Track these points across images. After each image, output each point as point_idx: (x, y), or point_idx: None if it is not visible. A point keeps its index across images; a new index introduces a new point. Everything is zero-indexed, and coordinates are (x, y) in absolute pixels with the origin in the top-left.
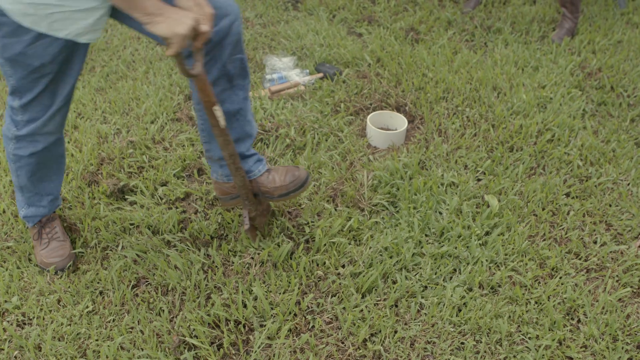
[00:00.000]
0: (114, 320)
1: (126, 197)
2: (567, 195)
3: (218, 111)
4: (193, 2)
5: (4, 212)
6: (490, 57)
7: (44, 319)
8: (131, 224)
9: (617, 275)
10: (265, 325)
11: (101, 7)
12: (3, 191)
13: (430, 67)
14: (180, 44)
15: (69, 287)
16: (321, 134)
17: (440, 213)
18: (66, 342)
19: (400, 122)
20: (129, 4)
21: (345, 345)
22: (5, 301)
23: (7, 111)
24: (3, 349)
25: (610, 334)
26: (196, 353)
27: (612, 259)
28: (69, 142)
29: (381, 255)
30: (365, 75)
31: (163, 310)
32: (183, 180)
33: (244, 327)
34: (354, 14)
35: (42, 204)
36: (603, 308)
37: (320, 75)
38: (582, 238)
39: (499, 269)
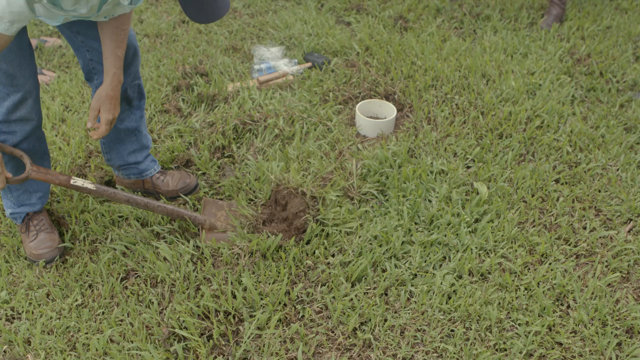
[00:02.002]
0: (103, 313)
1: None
2: (557, 181)
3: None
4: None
5: None
6: (479, 44)
7: (33, 313)
8: (120, 216)
9: (606, 261)
10: (254, 316)
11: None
12: None
13: (419, 55)
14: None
15: (58, 280)
16: (310, 123)
17: (430, 201)
18: (56, 336)
19: (389, 111)
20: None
21: (335, 335)
22: None
23: None
24: None
25: (599, 319)
26: (186, 344)
27: (602, 244)
28: (56, 135)
29: (371, 244)
30: (353, 64)
31: (152, 302)
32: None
33: (234, 317)
34: (343, 2)
35: (32, 201)
36: (592, 293)
37: (309, 64)
38: (571, 224)
39: (489, 256)
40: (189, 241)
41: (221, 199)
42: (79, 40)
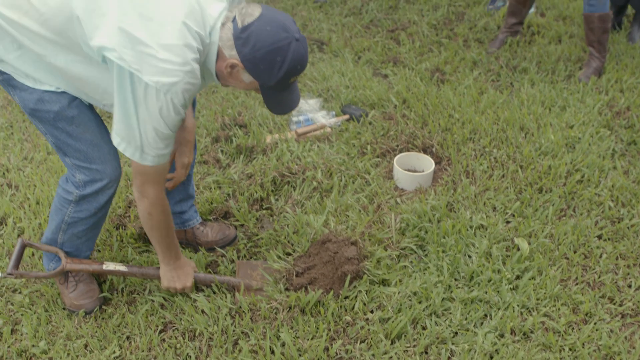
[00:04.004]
0: None
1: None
2: (599, 237)
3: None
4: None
5: (32, 255)
6: (516, 97)
7: None
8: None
9: None
10: None
11: None
12: (32, 234)
13: (456, 108)
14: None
15: (96, 331)
16: (348, 176)
17: (470, 257)
18: None
19: (427, 164)
20: (160, 243)
21: None
22: (33, 345)
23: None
24: None
25: None
26: None
27: None
28: None
29: (410, 300)
30: (391, 117)
31: (190, 356)
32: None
33: None
34: (379, 55)
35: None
36: None
37: (347, 116)
38: (615, 282)
39: (531, 315)
40: (226, 295)
41: (259, 252)
42: None
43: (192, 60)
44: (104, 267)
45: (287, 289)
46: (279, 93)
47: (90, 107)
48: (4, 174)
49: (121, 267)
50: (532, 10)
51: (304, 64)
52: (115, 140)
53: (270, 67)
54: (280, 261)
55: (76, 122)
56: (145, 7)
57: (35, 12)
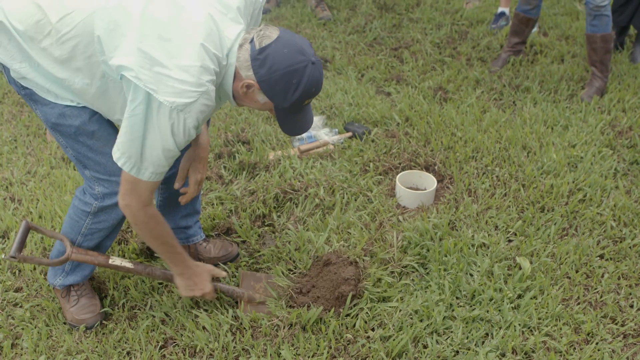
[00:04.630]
0: None
1: (155, 255)
2: (601, 257)
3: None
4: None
5: (34, 269)
6: (519, 116)
7: None
8: (160, 284)
9: None
10: None
11: None
12: (34, 248)
13: (459, 126)
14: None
15: (97, 346)
16: (350, 193)
17: (471, 275)
18: None
19: (429, 182)
20: (161, 253)
21: None
22: None
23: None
24: None
25: None
26: None
27: None
28: None
29: (411, 318)
30: (394, 135)
31: None
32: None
33: None
34: (383, 73)
35: (85, 273)
36: None
37: (349, 134)
38: (617, 302)
39: (533, 334)
40: (228, 311)
41: (260, 268)
42: None
43: (207, 82)
44: (110, 261)
45: (290, 306)
46: (293, 115)
47: (110, 122)
48: (7, 187)
49: (127, 264)
50: (535, 29)
51: (319, 87)
52: (116, 154)
53: (286, 89)
54: (284, 277)
55: (97, 136)
56: (164, 28)
57: (56, 33)
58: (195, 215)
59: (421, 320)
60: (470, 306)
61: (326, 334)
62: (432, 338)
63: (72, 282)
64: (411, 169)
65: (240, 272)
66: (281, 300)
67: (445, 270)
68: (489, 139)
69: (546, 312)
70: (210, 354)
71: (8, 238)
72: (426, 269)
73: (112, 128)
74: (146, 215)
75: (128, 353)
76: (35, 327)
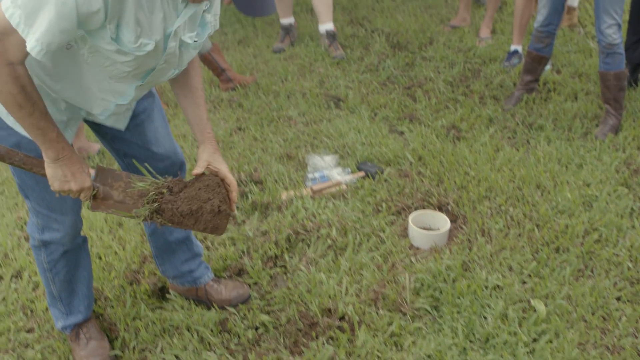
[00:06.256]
0: None
1: (167, 296)
2: (618, 299)
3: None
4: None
5: (46, 309)
6: (532, 154)
7: None
8: (171, 325)
9: None
10: None
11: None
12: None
13: (472, 165)
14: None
15: None
16: (362, 234)
17: (485, 318)
18: None
19: (442, 222)
20: (26, 128)
21: None
22: None
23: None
24: None
25: None
26: None
27: None
28: (112, 240)
29: None
30: (406, 174)
31: None
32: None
33: None
34: (395, 112)
35: (81, 309)
36: None
37: (362, 174)
38: (636, 346)
39: None
40: (240, 354)
41: (272, 311)
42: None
43: None
44: None
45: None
46: None
47: None
48: (22, 227)
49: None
50: (548, 67)
51: None
52: (5, 3)
53: None
54: (146, 179)
55: None
56: None
57: None
58: (197, 258)
59: None
60: (484, 350)
61: None
62: None
63: (75, 322)
64: (424, 208)
65: (97, 167)
66: (146, 199)
67: (458, 312)
68: (503, 178)
69: (562, 357)
70: None
71: (21, 278)
72: (439, 311)
73: None
74: (10, 74)
75: None
76: None
